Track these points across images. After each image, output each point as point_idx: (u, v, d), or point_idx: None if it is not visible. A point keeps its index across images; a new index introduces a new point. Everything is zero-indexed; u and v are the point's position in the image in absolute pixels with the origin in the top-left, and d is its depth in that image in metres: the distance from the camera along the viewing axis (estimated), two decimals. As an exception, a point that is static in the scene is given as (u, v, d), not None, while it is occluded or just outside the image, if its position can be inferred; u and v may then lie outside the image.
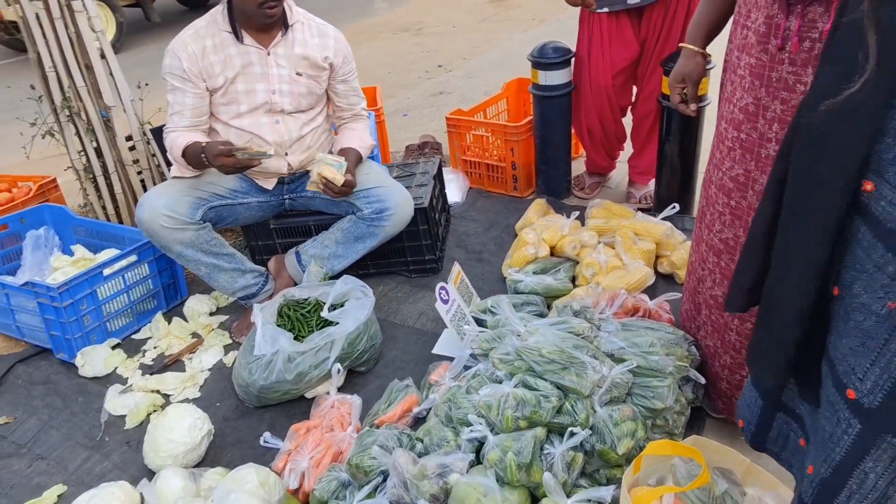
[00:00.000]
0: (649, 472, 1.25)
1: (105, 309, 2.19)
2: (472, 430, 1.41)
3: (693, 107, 1.68)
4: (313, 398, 1.86)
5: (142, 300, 2.31)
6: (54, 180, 2.91)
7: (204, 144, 1.95)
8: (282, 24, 2.08)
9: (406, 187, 2.32)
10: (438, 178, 2.65)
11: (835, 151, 0.73)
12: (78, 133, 2.52)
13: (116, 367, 2.11)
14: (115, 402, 1.95)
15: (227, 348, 2.18)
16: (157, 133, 2.62)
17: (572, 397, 1.43)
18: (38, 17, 2.32)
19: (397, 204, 2.17)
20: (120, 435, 1.86)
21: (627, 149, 2.88)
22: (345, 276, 2.05)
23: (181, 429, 1.66)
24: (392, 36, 6.68)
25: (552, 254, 2.35)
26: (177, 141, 2.03)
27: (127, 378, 2.08)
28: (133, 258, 2.24)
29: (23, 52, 6.01)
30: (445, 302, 1.87)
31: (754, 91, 1.26)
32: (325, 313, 1.94)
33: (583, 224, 2.49)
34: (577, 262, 2.27)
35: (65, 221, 2.56)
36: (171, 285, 2.41)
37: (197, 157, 1.95)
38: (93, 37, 2.38)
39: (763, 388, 1.00)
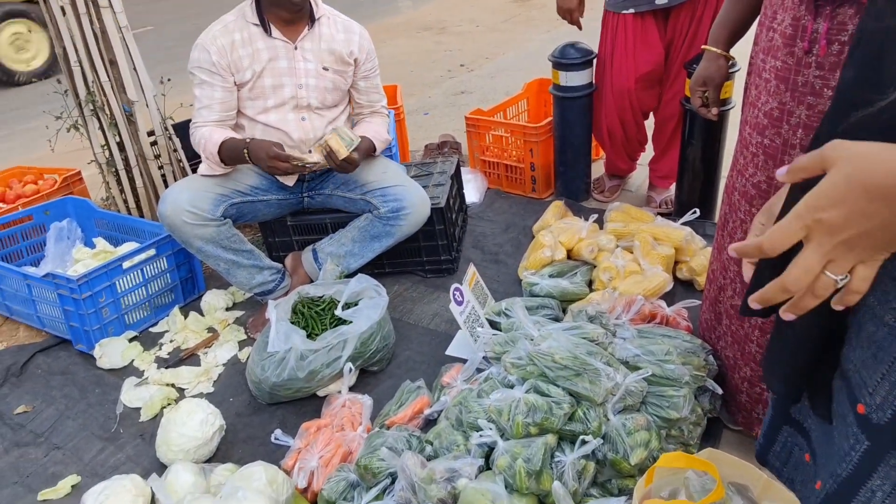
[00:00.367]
0: (662, 483, 1.22)
1: (123, 302, 2.21)
2: (481, 436, 1.39)
3: (714, 111, 1.65)
4: (325, 397, 1.86)
5: (160, 294, 2.34)
6: (79, 173, 2.96)
7: (249, 141, 1.97)
8: (308, 17, 2.09)
9: (423, 187, 2.31)
10: (456, 177, 2.64)
11: None
12: (101, 127, 2.55)
13: (133, 360, 2.14)
14: (130, 395, 1.97)
15: (242, 344, 2.19)
16: (179, 128, 2.65)
17: (585, 404, 1.40)
18: (63, 11, 2.36)
19: (414, 203, 2.17)
20: (134, 427, 1.88)
21: (648, 151, 2.84)
22: (359, 274, 2.05)
23: (193, 424, 1.67)
24: (415, 34, 6.68)
25: (569, 257, 2.32)
26: (211, 137, 2.02)
27: (143, 371, 2.10)
28: (152, 252, 2.26)
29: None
30: (460, 303, 1.86)
31: (779, 95, 1.22)
32: (338, 312, 1.94)
33: (601, 227, 2.45)
34: (594, 266, 2.24)
35: (87, 214, 2.60)
36: (189, 280, 2.43)
37: (237, 153, 1.96)
38: (117, 32, 2.41)
39: (777, 401, 0.97)
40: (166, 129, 2.62)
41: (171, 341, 2.23)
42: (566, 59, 2.58)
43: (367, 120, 2.31)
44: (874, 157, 0.55)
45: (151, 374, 2.06)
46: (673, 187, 2.71)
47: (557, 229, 2.38)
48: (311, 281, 2.30)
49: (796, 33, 1.15)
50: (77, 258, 2.41)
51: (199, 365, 2.10)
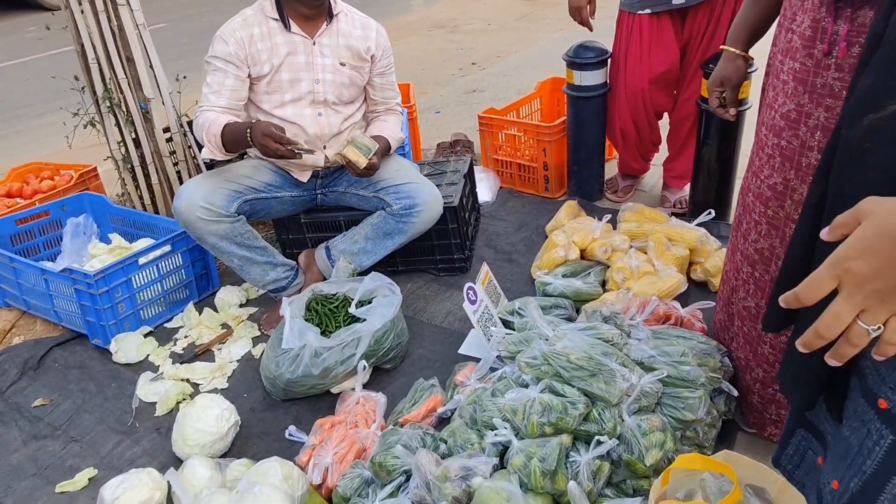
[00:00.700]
0: (677, 485, 1.22)
1: (139, 297, 2.23)
2: (496, 434, 1.40)
3: (732, 111, 1.64)
4: (338, 394, 1.87)
5: (174, 289, 2.36)
6: (95, 169, 2.98)
7: (253, 122, 1.94)
8: (327, 13, 2.11)
9: (437, 185, 2.31)
10: (469, 176, 2.64)
11: (877, 173, 0.70)
12: (118, 124, 2.57)
13: (148, 355, 2.16)
14: (146, 389, 1.99)
15: (256, 340, 2.21)
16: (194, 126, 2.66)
17: (600, 405, 1.41)
18: (82, 9, 2.38)
19: (426, 201, 2.17)
20: (150, 421, 1.90)
21: (661, 152, 2.83)
22: (373, 272, 2.05)
23: (209, 419, 1.69)
24: (427, 33, 6.68)
25: (582, 257, 2.32)
26: (217, 120, 2.00)
27: (158, 366, 2.12)
28: (167, 248, 2.28)
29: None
30: (473, 302, 1.86)
31: (797, 97, 1.21)
32: (352, 309, 1.95)
33: (614, 227, 2.45)
34: (608, 267, 2.24)
35: (103, 210, 2.62)
36: (204, 276, 2.45)
37: (239, 134, 1.93)
38: (134, 30, 2.43)
39: (793, 404, 0.97)
40: (182, 126, 2.64)
41: (185, 337, 2.25)
42: (581, 58, 2.57)
43: (382, 118, 2.32)
44: None
45: (166, 369, 2.08)
46: (687, 188, 2.69)
47: (571, 229, 2.37)
48: (325, 278, 2.31)
49: (816, 35, 1.15)
50: (93, 254, 2.43)
51: (213, 361, 2.12)
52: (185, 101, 2.70)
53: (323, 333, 1.91)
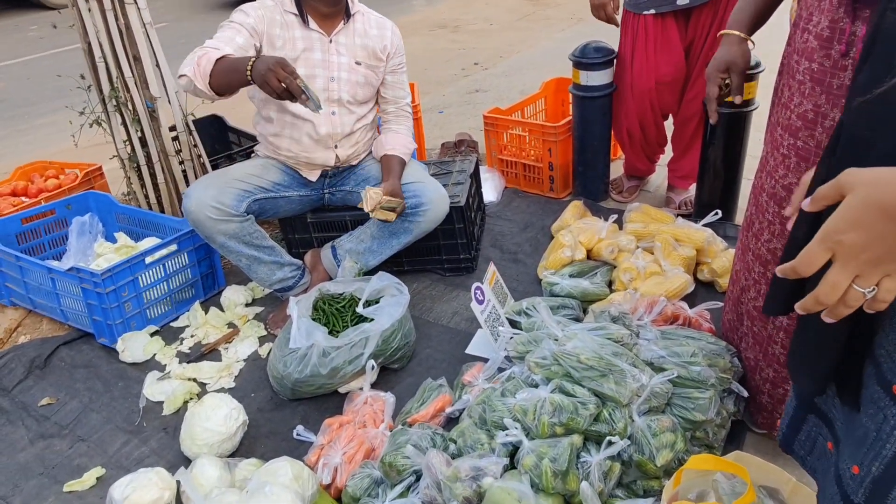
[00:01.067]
0: (689, 485, 1.23)
1: (146, 296, 2.23)
2: (507, 434, 1.40)
3: (738, 99, 1.59)
4: (346, 394, 1.87)
5: (181, 289, 2.35)
6: (100, 168, 2.98)
7: (257, 55, 1.79)
8: (344, 12, 2.12)
9: (443, 185, 2.31)
10: (475, 176, 2.64)
11: (875, 158, 0.71)
12: (124, 123, 2.57)
13: (155, 354, 2.16)
14: (153, 389, 1.99)
15: (262, 340, 2.21)
16: (200, 125, 2.66)
17: (610, 405, 1.41)
18: (89, 7, 2.37)
19: (432, 200, 2.17)
20: (157, 421, 1.90)
21: (667, 152, 2.83)
22: (380, 272, 2.05)
23: (217, 418, 1.69)
24: (429, 33, 6.68)
25: (589, 257, 2.32)
26: (215, 52, 1.82)
27: (165, 365, 2.11)
28: (174, 247, 2.28)
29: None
30: (481, 302, 1.86)
31: (814, 98, 1.21)
32: (360, 309, 1.95)
33: (620, 228, 2.45)
34: (615, 267, 2.24)
35: (108, 209, 2.62)
36: (210, 275, 2.45)
37: (238, 64, 1.75)
38: (141, 28, 2.43)
39: (802, 392, 0.98)
40: (188, 125, 2.63)
41: (191, 336, 2.25)
42: (587, 58, 2.57)
43: (394, 129, 2.30)
44: (887, 180, 0.61)
45: (173, 368, 2.08)
46: (692, 188, 2.69)
47: (577, 229, 2.37)
48: (331, 278, 2.31)
49: (833, 35, 1.15)
50: (99, 252, 2.43)
51: (220, 360, 2.12)
52: (191, 100, 2.69)
53: (330, 333, 1.91)
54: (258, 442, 1.79)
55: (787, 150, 1.31)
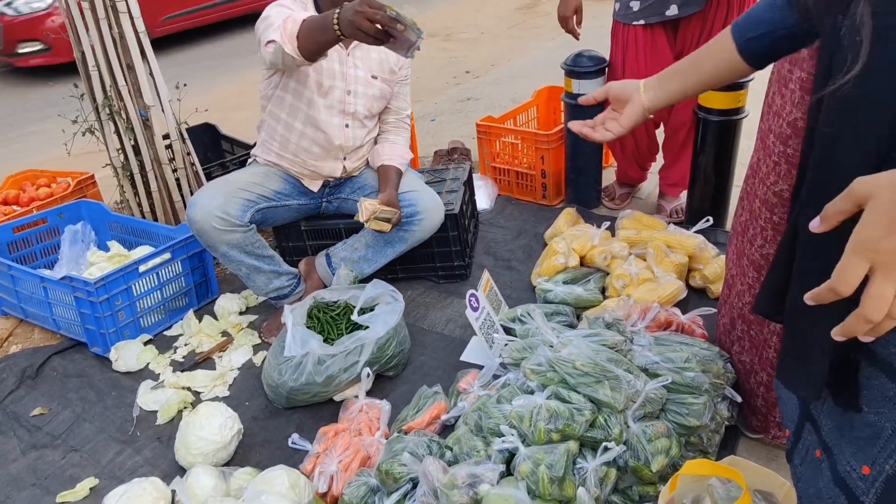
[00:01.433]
0: (685, 491, 1.24)
1: (139, 305, 2.22)
2: (503, 441, 1.40)
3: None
4: (341, 401, 1.87)
5: (174, 297, 2.35)
6: (92, 177, 2.97)
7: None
8: None
9: (437, 193, 2.32)
10: (468, 184, 2.65)
11: (845, 153, 0.73)
12: (117, 131, 2.57)
13: (148, 363, 2.15)
14: (146, 398, 1.98)
15: (256, 348, 2.20)
16: (193, 133, 2.66)
17: (605, 411, 1.42)
18: (83, 16, 2.38)
19: (427, 209, 2.18)
20: (151, 430, 1.89)
21: (658, 160, 2.85)
22: (375, 280, 2.06)
23: (212, 427, 1.68)
24: (421, 41, 6.71)
25: (582, 264, 2.33)
26: (299, 15, 1.77)
27: (158, 374, 2.10)
28: (167, 256, 2.27)
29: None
30: (475, 309, 1.87)
31: (804, 106, 1.24)
32: (355, 317, 1.95)
33: (613, 234, 2.47)
34: (608, 274, 2.25)
35: (101, 217, 2.61)
36: (203, 283, 2.44)
37: (323, 20, 1.66)
38: (135, 37, 2.43)
39: (800, 396, 0.99)
40: (181, 133, 2.63)
41: (185, 345, 2.24)
42: (579, 67, 2.59)
43: (392, 139, 2.31)
44: None
45: (167, 377, 2.07)
46: (683, 195, 2.72)
47: (570, 236, 2.39)
48: (325, 286, 2.31)
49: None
50: (92, 261, 2.42)
51: (214, 369, 2.11)
52: (184, 109, 2.69)
53: (325, 341, 1.90)
54: (253, 451, 1.79)
55: (778, 157, 1.33)
